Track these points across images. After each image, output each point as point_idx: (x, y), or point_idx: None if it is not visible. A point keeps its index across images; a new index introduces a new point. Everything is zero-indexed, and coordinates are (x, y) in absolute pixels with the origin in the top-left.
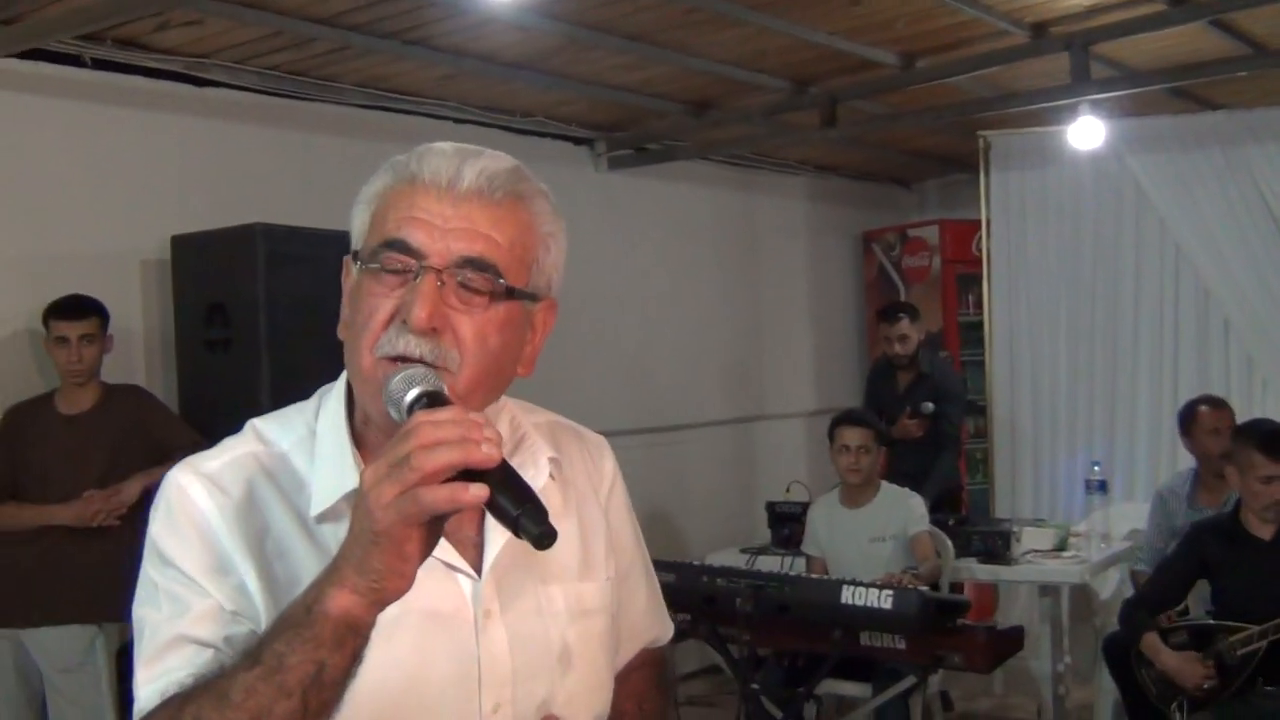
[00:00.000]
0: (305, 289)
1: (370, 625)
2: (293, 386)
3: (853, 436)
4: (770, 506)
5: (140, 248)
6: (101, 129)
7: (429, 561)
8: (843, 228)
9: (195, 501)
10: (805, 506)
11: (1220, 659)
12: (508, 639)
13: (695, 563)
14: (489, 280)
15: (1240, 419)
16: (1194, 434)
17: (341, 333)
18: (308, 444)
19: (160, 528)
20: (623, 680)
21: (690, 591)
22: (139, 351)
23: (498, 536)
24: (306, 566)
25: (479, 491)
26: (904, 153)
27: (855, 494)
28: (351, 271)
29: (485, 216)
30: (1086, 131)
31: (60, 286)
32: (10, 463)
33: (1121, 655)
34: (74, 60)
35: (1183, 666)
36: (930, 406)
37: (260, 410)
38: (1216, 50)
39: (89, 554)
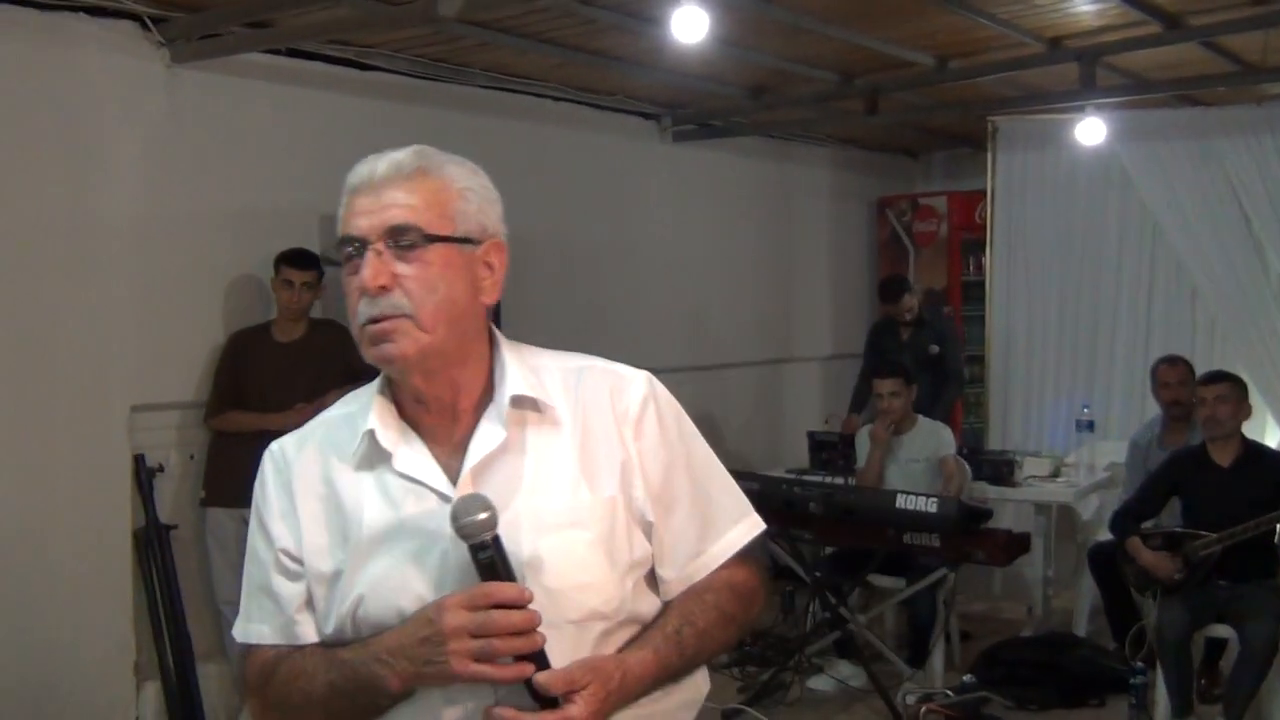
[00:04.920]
0: None
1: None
2: None
3: (884, 386)
4: (811, 435)
5: (317, 205)
6: (290, 107)
7: (418, 489)
8: (860, 194)
9: (265, 473)
10: (840, 436)
11: (1186, 558)
12: None
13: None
14: (412, 236)
15: (1203, 370)
16: (1156, 386)
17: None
18: (367, 404)
19: (254, 492)
20: (690, 591)
21: (771, 496)
22: None
23: (471, 458)
24: (347, 493)
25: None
26: (917, 129)
27: (897, 425)
28: None
29: (400, 191)
30: (1090, 130)
31: (264, 238)
32: (234, 377)
33: (1104, 560)
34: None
35: (1158, 563)
36: (936, 349)
37: None
38: (1206, 64)
39: None
